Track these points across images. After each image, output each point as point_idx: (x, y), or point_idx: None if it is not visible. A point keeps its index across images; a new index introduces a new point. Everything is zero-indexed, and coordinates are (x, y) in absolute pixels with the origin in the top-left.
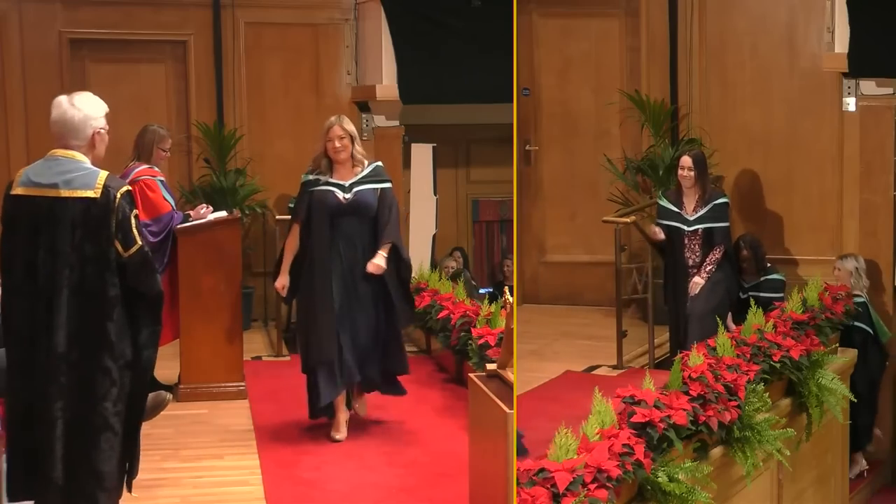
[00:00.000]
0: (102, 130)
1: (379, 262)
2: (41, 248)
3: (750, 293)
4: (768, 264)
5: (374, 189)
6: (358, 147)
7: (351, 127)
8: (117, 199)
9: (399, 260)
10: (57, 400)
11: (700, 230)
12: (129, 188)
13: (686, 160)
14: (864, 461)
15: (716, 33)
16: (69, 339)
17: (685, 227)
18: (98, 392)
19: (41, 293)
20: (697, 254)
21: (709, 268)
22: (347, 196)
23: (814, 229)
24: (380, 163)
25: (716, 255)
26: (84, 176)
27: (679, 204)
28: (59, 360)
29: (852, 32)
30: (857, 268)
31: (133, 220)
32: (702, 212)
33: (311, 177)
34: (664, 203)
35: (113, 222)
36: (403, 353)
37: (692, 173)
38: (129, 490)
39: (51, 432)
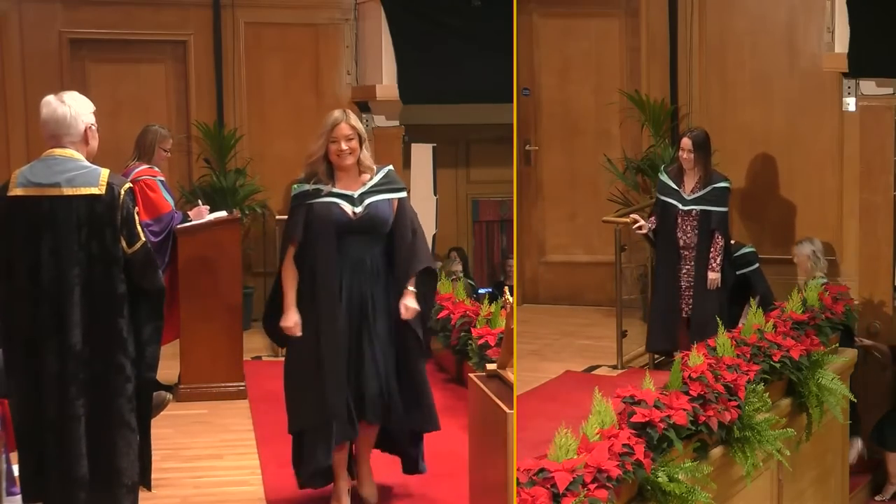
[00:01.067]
0: (93, 126)
1: (412, 304)
2: (44, 249)
3: (692, 206)
4: (732, 241)
5: (389, 200)
6: (365, 150)
7: (359, 124)
8: (121, 196)
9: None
10: (78, 398)
11: (695, 211)
12: (131, 185)
13: (686, 142)
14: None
15: (716, 33)
16: (83, 337)
17: (679, 206)
18: (113, 389)
19: (46, 294)
20: (689, 235)
21: (718, 259)
22: (357, 210)
23: (814, 229)
24: (391, 167)
25: (718, 243)
26: (86, 174)
27: (679, 182)
28: (77, 358)
29: (852, 32)
30: (813, 251)
31: (136, 217)
32: (699, 193)
33: (307, 186)
34: (664, 178)
35: (118, 219)
36: (431, 404)
37: (692, 155)
38: (148, 487)
39: (75, 430)
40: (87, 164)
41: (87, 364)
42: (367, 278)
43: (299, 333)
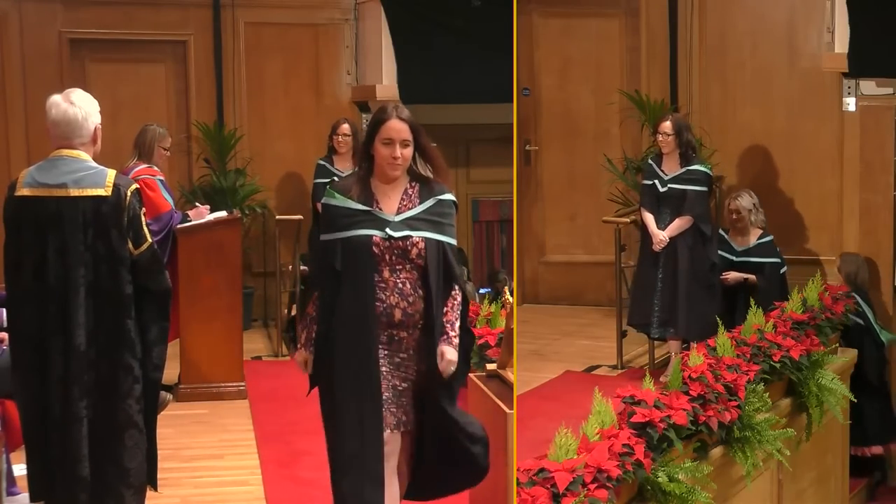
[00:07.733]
0: (99, 126)
1: None
2: (50, 249)
3: (670, 185)
4: (693, 153)
5: None
6: None
7: None
8: (128, 197)
9: None
10: (82, 399)
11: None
12: (138, 186)
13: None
14: None
15: (716, 33)
16: (88, 338)
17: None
18: (122, 390)
19: (52, 294)
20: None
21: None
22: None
23: (814, 229)
24: None
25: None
26: (93, 175)
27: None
28: (81, 358)
29: (852, 32)
30: (754, 204)
31: (143, 218)
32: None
33: None
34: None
35: (125, 220)
36: None
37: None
38: (155, 487)
39: (77, 431)
40: (95, 165)
41: (94, 365)
42: None
43: None
